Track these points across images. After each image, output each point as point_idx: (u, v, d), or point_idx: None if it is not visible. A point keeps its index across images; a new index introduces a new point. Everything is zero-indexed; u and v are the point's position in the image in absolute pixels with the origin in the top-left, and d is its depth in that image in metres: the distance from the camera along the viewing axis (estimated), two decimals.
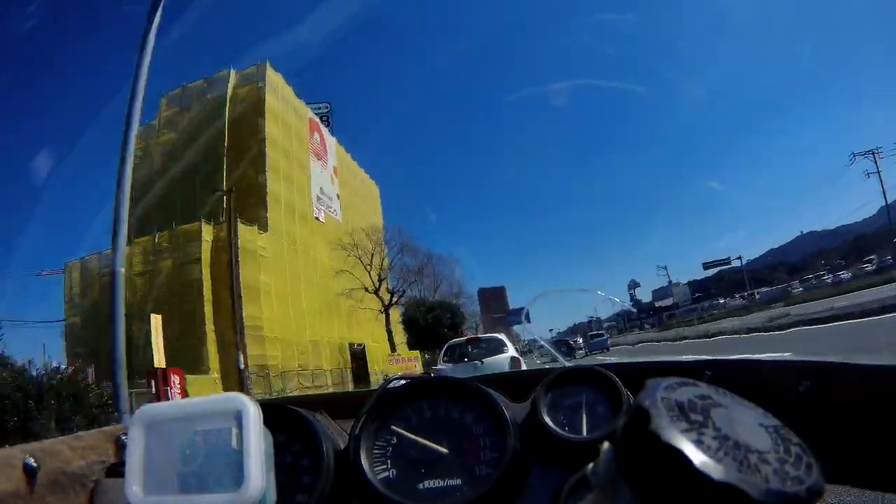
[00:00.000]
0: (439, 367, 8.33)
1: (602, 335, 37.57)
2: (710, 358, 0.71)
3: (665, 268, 63.58)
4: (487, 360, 7.80)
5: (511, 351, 8.13)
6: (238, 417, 0.43)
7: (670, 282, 64.38)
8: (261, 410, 0.44)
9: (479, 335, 10.03)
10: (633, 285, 73.20)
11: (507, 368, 7.13)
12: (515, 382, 0.78)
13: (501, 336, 8.81)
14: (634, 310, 71.17)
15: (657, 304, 70.71)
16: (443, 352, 9.03)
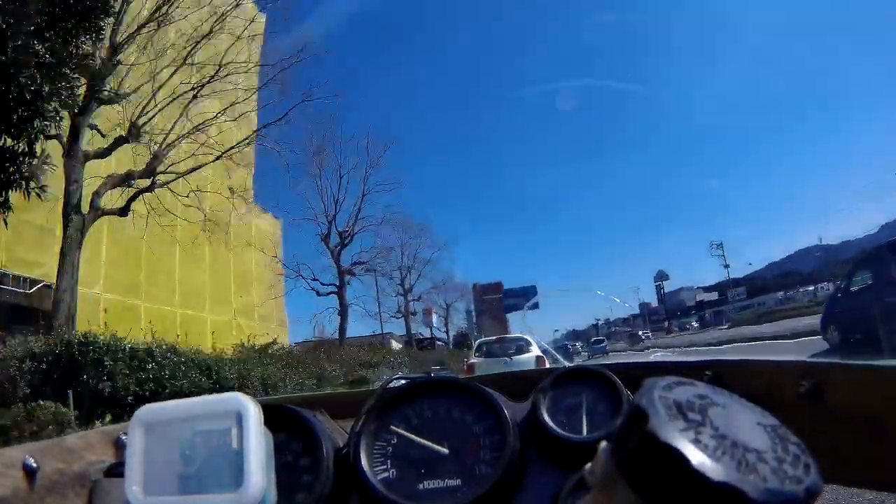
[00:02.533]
0: (473, 360, 9.39)
1: (602, 341, 44.27)
2: (710, 358, 0.71)
3: (720, 245, 47.41)
4: (516, 357, 8.79)
5: (536, 350, 9.16)
6: (238, 418, 0.43)
7: (727, 265, 49.60)
8: (261, 410, 0.45)
9: (508, 335, 11.45)
10: (661, 277, 60.30)
11: (533, 365, 8.09)
12: (515, 382, 0.78)
13: (528, 336, 9.99)
14: (649, 307, 62.73)
15: (699, 299, 57.49)
16: (475, 348, 10.32)
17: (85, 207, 9.64)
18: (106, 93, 9.38)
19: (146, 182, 11.19)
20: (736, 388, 0.34)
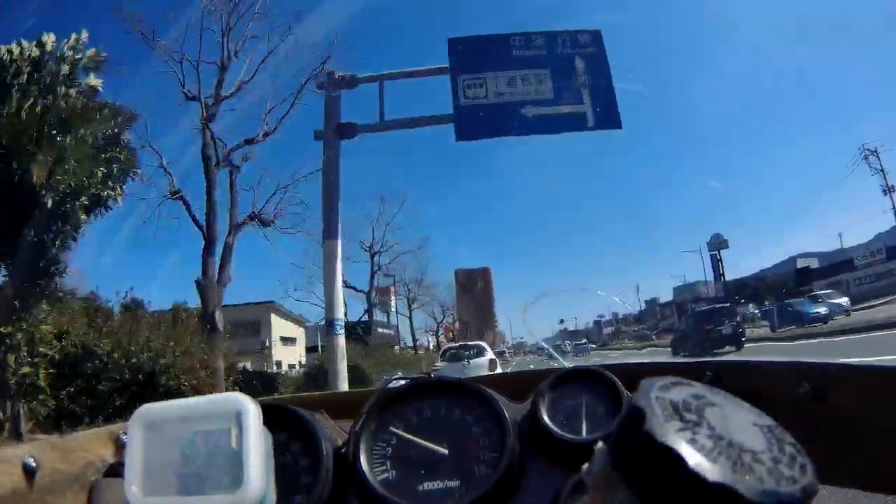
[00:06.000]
0: (437, 365, 10.79)
1: (584, 342, 47.81)
2: (711, 359, 0.71)
3: (874, 153, 27.03)
4: (472, 360, 10.35)
5: (490, 354, 11.02)
6: (238, 418, 0.44)
7: (889, 188, 26.71)
8: (261, 410, 0.45)
9: (469, 342, 13.21)
10: (718, 244, 38.44)
11: (486, 367, 9.84)
12: (515, 383, 0.79)
13: (483, 343, 12.05)
14: (658, 303, 52.51)
15: (801, 266, 37.08)
16: (440, 353, 12.28)
17: None
18: None
19: None
20: (736, 388, 0.35)
